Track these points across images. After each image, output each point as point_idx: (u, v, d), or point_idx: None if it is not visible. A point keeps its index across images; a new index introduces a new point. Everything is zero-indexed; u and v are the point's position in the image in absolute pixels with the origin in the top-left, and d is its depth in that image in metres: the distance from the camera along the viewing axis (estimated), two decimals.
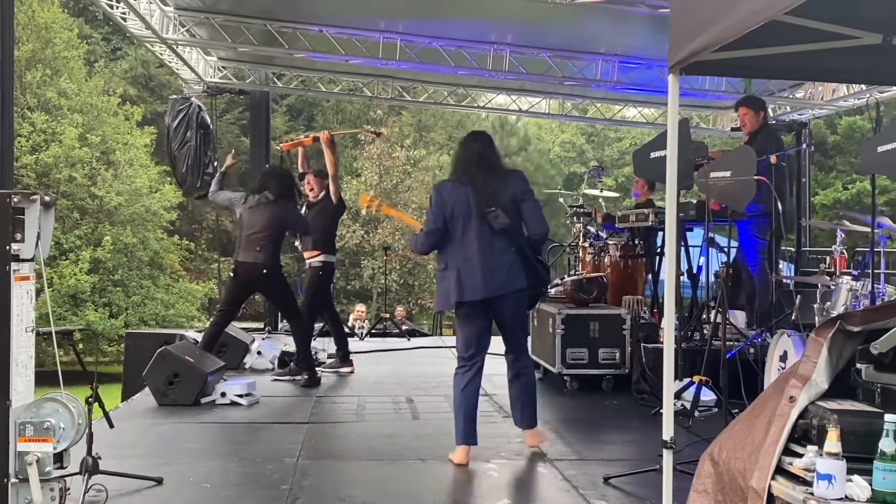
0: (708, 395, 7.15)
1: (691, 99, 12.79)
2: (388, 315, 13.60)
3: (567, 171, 33.96)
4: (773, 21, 3.24)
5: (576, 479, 5.31)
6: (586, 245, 10.34)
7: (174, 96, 13.46)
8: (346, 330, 13.36)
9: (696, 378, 7.00)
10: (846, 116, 27.41)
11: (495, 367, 9.65)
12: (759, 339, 7.36)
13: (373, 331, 13.25)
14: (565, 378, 8.31)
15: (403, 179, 31.40)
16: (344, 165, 34.97)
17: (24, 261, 3.65)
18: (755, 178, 5.31)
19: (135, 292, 24.47)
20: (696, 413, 6.91)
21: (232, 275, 8.54)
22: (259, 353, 9.75)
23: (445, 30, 10.47)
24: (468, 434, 5.68)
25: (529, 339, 9.63)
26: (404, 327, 13.91)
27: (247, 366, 9.61)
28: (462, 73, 11.07)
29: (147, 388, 7.87)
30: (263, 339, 10.56)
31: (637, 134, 36.54)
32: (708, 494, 3.67)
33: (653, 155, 5.02)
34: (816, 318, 6.51)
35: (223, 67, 13.09)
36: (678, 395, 7.23)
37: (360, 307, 15.89)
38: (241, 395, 7.66)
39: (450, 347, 11.64)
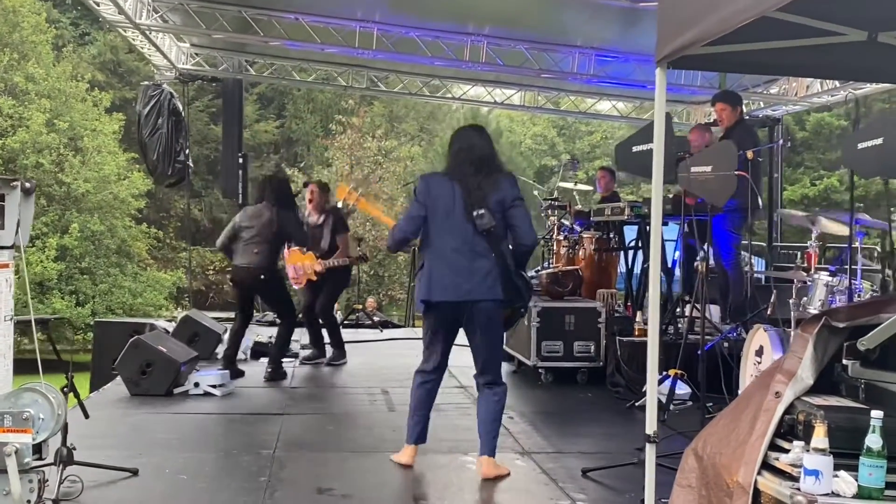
0: (683, 389, 7.19)
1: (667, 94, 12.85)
2: (360, 306, 13.54)
3: (538, 163, 34.02)
4: (763, 17, 3.23)
5: (554, 471, 5.32)
6: (560, 238, 10.35)
7: (145, 83, 13.31)
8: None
9: (671, 372, 7.03)
10: (815, 113, 27.70)
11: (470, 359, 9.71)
12: (734, 334, 7.39)
13: (345, 321, 13.17)
14: (540, 371, 8.31)
15: (374, 170, 31.27)
16: (315, 155, 34.93)
17: (2, 248, 3.58)
18: (736, 173, 5.33)
19: (102, 280, 24.20)
20: (671, 407, 6.94)
21: (231, 280, 8.50)
22: None
23: (422, 20, 10.41)
24: (417, 434, 5.47)
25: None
26: (376, 318, 13.86)
27: (219, 356, 9.49)
28: (438, 63, 11.01)
29: (118, 378, 7.79)
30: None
31: (608, 128, 36.73)
32: (692, 489, 3.68)
33: (635, 149, 5.01)
34: (792, 313, 6.53)
35: (196, 54, 12.96)
36: None
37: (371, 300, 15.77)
38: (214, 386, 7.59)
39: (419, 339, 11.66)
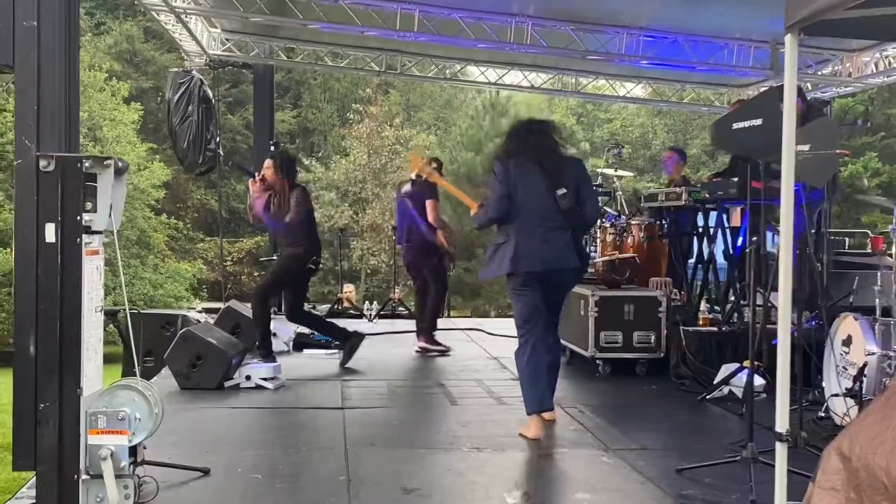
0: (758, 381, 6.88)
1: (707, 75, 12.52)
2: (397, 296, 13.25)
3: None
4: None
5: (646, 470, 5.02)
6: (607, 225, 10.03)
7: (174, 69, 13.03)
8: (354, 311, 13.09)
9: (746, 363, 6.71)
10: (839, 99, 27.23)
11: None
12: (812, 324, 7.06)
13: (381, 312, 12.87)
14: (598, 362, 8.02)
15: (392, 159, 30.99)
16: (332, 144, 34.63)
17: (95, 233, 3.30)
18: (838, 152, 5.02)
19: (123, 272, 23.94)
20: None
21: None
22: (274, 334, 9.35)
23: (465, 0, 10.09)
24: (544, 399, 5.74)
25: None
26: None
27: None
28: (482, 45, 10.68)
29: (163, 371, 7.52)
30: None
31: (627, 115, 36.33)
32: (837, 492, 3.36)
33: (735, 126, 4.69)
34: (877, 300, 6.22)
35: (227, 40, 12.65)
36: (726, 381, 6.98)
37: (349, 287, 15.45)
38: (266, 379, 7.31)
39: (463, 329, 11.37)
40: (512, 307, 6.06)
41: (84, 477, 3.32)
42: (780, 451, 3.70)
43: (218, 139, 12.84)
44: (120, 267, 3.47)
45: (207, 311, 13.81)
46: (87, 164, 3.23)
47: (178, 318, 9.90)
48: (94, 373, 3.36)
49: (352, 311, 12.97)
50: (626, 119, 35.83)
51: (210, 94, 12.64)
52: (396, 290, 16.54)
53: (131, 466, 3.39)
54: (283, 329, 9.51)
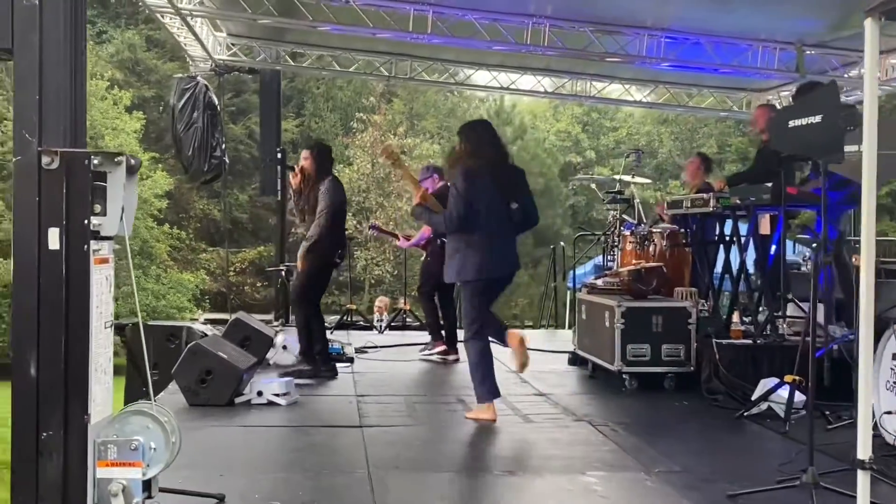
0: (798, 397, 6.52)
1: (724, 79, 12.19)
2: (408, 306, 12.87)
3: (563, 160, 33.36)
4: None
5: (696, 497, 4.64)
6: (627, 234, 9.69)
7: (179, 75, 12.70)
8: (364, 322, 12.72)
9: (788, 378, 6.35)
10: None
11: (547, 365, 9.08)
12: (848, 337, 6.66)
13: (392, 323, 12.51)
14: (624, 376, 7.65)
15: (395, 169, 30.60)
16: (336, 154, 34.13)
17: (104, 239, 2.93)
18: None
19: (124, 283, 23.58)
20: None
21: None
22: (284, 347, 9.00)
23: (480, 1, 9.76)
24: (495, 389, 6.46)
25: (575, 332, 9.09)
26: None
27: (270, 361, 8.86)
28: (497, 48, 10.33)
29: (170, 387, 7.15)
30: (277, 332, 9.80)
31: (633, 123, 36.03)
32: None
33: (792, 123, 4.34)
34: None
35: (232, 44, 12.32)
36: (765, 397, 6.61)
37: (383, 299, 15.09)
38: (278, 395, 6.94)
39: None
40: (464, 304, 6.89)
41: None
42: (863, 479, 3.33)
43: (224, 146, 12.51)
44: (133, 277, 3.11)
45: (212, 322, 13.50)
46: (95, 161, 2.87)
47: (183, 330, 9.55)
48: (103, 397, 2.99)
49: (362, 322, 12.61)
50: (632, 127, 35.53)
51: (215, 100, 12.31)
52: (405, 301, 16.18)
53: (145, 502, 3.03)
54: (293, 342, 9.15)
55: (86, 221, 2.87)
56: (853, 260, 5.66)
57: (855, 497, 4.39)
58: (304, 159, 8.22)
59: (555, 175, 31.28)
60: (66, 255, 2.86)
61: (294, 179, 8.31)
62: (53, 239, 2.85)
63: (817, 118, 4.30)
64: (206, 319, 17.86)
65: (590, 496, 4.66)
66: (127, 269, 3.01)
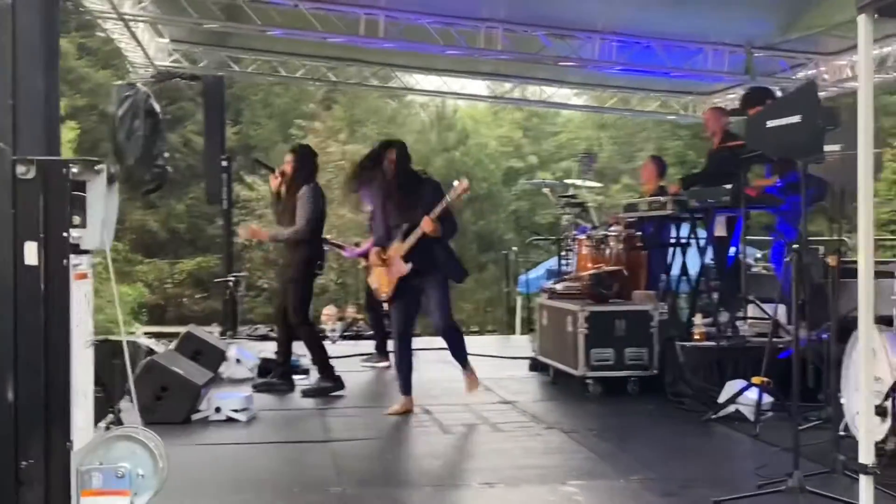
0: (766, 399, 6.50)
1: (673, 83, 12.23)
2: (362, 316, 12.67)
3: (505, 165, 33.39)
4: None
5: (677, 503, 4.57)
6: (582, 238, 9.64)
7: (118, 83, 12.37)
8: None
9: (756, 380, 6.33)
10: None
11: (506, 371, 8.98)
12: (826, 336, 6.64)
13: (344, 334, 12.30)
14: (588, 381, 7.58)
15: (338, 175, 30.34)
16: (275, 161, 33.65)
17: (84, 252, 2.74)
18: (877, 151, 4.65)
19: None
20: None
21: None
22: (238, 360, 8.78)
23: (433, 5, 9.65)
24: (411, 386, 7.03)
25: (535, 338, 9.01)
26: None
27: (223, 375, 8.62)
28: (451, 52, 10.21)
29: (121, 404, 6.89)
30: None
31: (573, 128, 36.16)
32: None
33: (770, 124, 4.30)
34: (894, 310, 5.88)
35: (175, 50, 12.05)
36: (733, 400, 6.58)
37: (331, 308, 14.85)
38: (237, 411, 6.73)
39: (432, 349, 10.83)
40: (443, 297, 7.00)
41: None
42: (866, 484, 3.26)
43: (166, 155, 12.20)
44: (116, 291, 2.92)
45: (153, 335, 13.16)
46: (74, 170, 2.67)
47: (129, 346, 9.26)
48: (85, 421, 2.79)
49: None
50: (573, 132, 35.66)
51: (157, 107, 11.99)
52: (351, 310, 15.98)
53: None
54: (246, 355, 8.93)
55: (65, 234, 2.67)
56: (830, 260, 5.63)
57: (839, 500, 4.40)
58: (287, 163, 7.97)
59: (498, 180, 31.26)
60: (44, 270, 2.66)
61: (274, 182, 8.03)
62: (31, 253, 2.65)
63: (796, 118, 4.27)
64: (144, 333, 17.42)
65: None
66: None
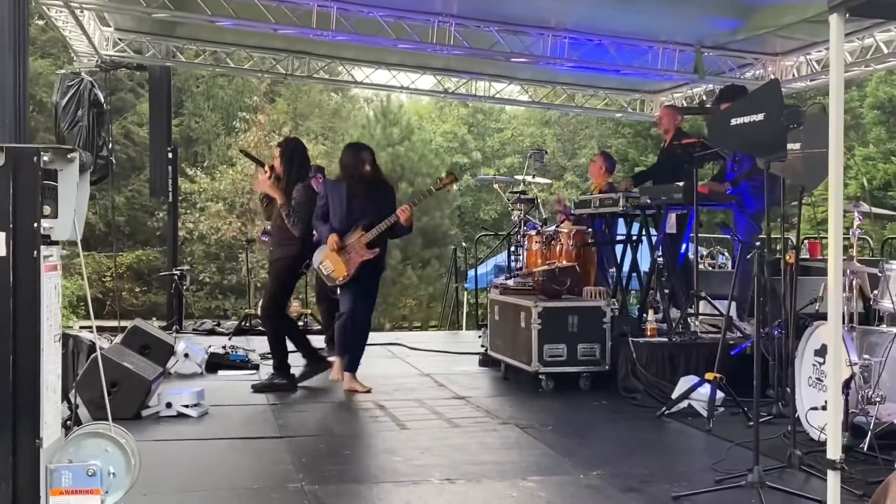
0: (719, 395, 6.56)
1: (621, 80, 12.31)
2: (309, 310, 12.56)
3: (450, 160, 33.37)
4: None
5: (637, 498, 4.60)
6: (532, 233, 9.66)
7: (61, 71, 12.10)
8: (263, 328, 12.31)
9: (709, 376, 6.39)
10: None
11: (457, 366, 8.98)
12: (778, 332, 6.75)
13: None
14: (541, 377, 7.61)
15: None
16: (217, 154, 33.40)
17: (54, 244, 2.65)
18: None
19: None
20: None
21: None
22: (186, 355, 8.63)
23: None
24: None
25: (486, 333, 8.99)
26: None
27: (171, 370, 8.47)
28: (402, 46, 10.17)
29: (71, 403, 6.74)
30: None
31: (517, 125, 36.30)
32: None
33: (734, 122, 4.33)
34: (844, 307, 5.97)
35: (120, 39, 11.82)
36: (686, 395, 6.65)
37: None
38: (189, 406, 6.62)
39: (384, 345, 10.78)
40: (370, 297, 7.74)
41: None
42: (833, 479, 3.30)
43: (111, 145, 11.97)
44: (86, 284, 2.83)
45: (97, 329, 12.88)
46: (45, 158, 2.58)
47: (70, 340, 9.06)
48: (53, 418, 2.70)
49: (261, 328, 12.22)
50: (517, 129, 35.80)
51: (101, 97, 11.75)
52: (295, 304, 15.83)
53: None
54: (195, 349, 8.79)
55: (35, 224, 2.58)
56: (788, 257, 5.70)
57: (800, 495, 4.46)
58: (276, 158, 7.76)
59: (442, 176, 31.16)
60: (13, 261, 2.57)
61: (264, 177, 7.67)
62: (0, 244, 2.56)
63: (759, 116, 4.31)
64: (81, 327, 17.09)
65: (535, 502, 4.56)
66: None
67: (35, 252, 2.61)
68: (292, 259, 7.71)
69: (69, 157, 2.64)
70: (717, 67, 10.72)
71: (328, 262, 7.48)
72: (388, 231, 7.49)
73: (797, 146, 4.78)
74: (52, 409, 2.71)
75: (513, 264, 10.53)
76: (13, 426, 2.62)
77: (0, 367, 2.61)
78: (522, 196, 10.54)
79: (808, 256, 8.74)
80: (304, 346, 8.07)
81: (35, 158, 2.58)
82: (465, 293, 14.75)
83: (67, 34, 10.97)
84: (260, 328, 12.23)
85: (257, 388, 7.61)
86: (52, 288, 2.70)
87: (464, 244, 15.14)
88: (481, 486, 4.80)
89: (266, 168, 7.77)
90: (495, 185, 11.78)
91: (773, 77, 10.69)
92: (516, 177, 11.24)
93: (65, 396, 3.81)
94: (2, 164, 2.55)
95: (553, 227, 9.32)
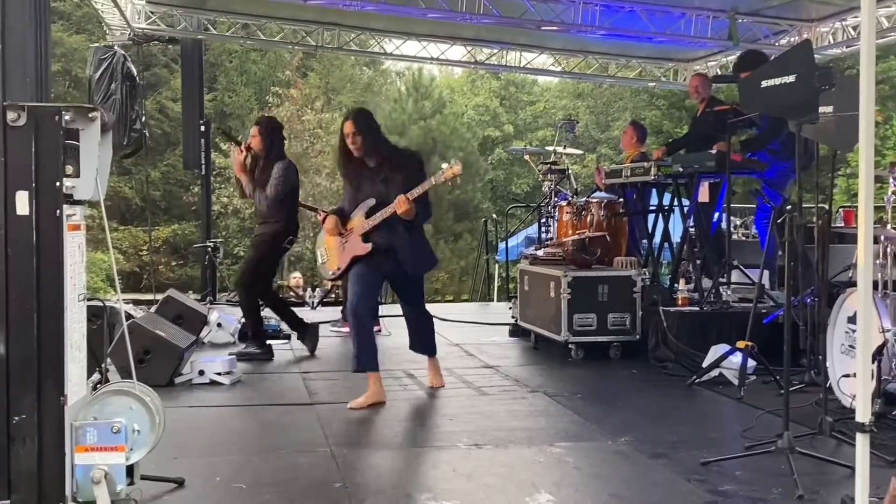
0: (750, 363, 6.52)
1: (653, 48, 12.19)
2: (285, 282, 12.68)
3: (482, 134, 33.29)
4: None
5: (667, 464, 4.58)
6: (563, 204, 9.61)
7: (95, 45, 12.19)
8: (296, 299, 12.46)
9: (740, 344, 6.34)
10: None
11: (487, 336, 8.99)
12: (810, 300, 6.67)
13: (324, 300, 12.25)
14: (570, 346, 7.60)
15: (314, 143, 30.18)
16: (251, 129, 33.33)
17: (77, 203, 2.67)
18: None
19: None
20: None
21: None
22: (219, 325, 8.72)
23: None
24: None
25: (516, 304, 8.98)
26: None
27: (204, 340, 8.57)
28: (432, 15, 10.10)
29: (102, 368, 6.82)
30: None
31: (550, 97, 36.12)
32: None
33: (764, 84, 4.26)
34: (879, 274, 5.89)
35: (152, 13, 11.86)
36: (717, 364, 6.60)
37: (297, 275, 14.86)
38: (221, 374, 6.69)
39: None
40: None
41: None
42: (862, 442, 3.26)
43: (143, 118, 12.05)
44: (111, 246, 2.85)
45: (132, 302, 13.04)
46: (67, 117, 2.59)
47: (106, 310, 9.16)
48: (78, 376, 2.73)
49: (293, 299, 12.34)
50: (549, 101, 35.61)
51: (134, 70, 11.84)
52: (296, 276, 15.92)
53: (129, 490, 2.78)
54: (228, 319, 8.87)
55: (58, 184, 2.60)
56: (819, 224, 5.62)
57: (829, 461, 4.43)
58: (253, 136, 7.72)
59: (474, 149, 31.15)
60: (36, 220, 2.59)
61: (239, 157, 7.72)
62: (22, 203, 2.58)
63: (791, 78, 4.24)
64: (118, 300, 17.24)
65: (563, 467, 4.55)
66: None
67: (58, 211, 2.63)
68: (272, 235, 7.75)
69: (90, 116, 2.65)
70: (751, 34, 10.56)
71: (323, 250, 6.51)
72: (401, 220, 5.95)
73: (829, 109, 4.69)
74: (76, 368, 2.74)
75: (543, 235, 10.50)
76: (38, 384, 2.66)
77: (24, 325, 2.65)
78: (553, 167, 10.49)
79: (842, 225, 8.62)
80: (287, 315, 8.20)
81: (56, 117, 2.60)
82: (496, 266, 14.74)
83: (100, 7, 11.05)
84: (292, 299, 12.40)
85: (238, 356, 7.58)
86: (75, 247, 2.72)
87: (494, 216, 15.07)
88: (508, 452, 4.80)
89: (242, 147, 7.74)
90: (526, 157, 11.70)
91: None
92: (547, 148, 11.17)
93: (98, 364, 3.84)
94: (23, 123, 2.57)
95: (584, 198, 9.27)
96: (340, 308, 9.66)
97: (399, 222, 5.91)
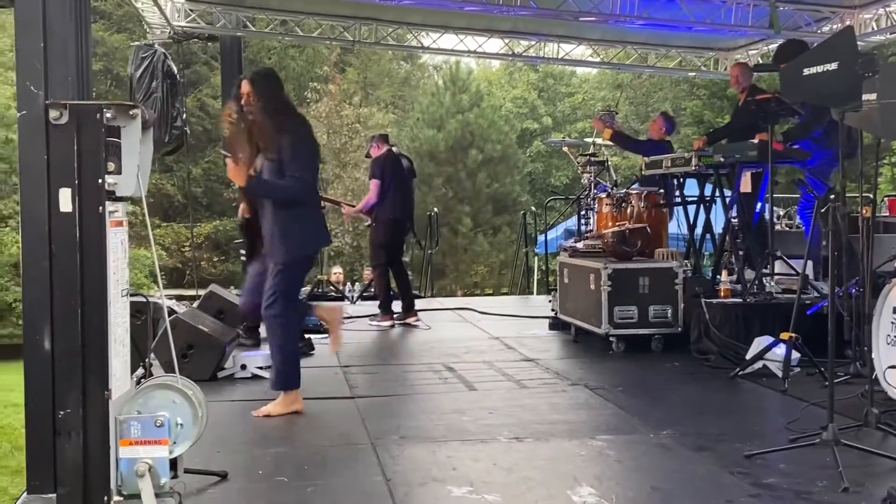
0: (794, 355, 6.44)
1: (694, 38, 12.08)
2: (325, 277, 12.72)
3: (520, 126, 33.20)
4: None
5: (710, 457, 4.55)
6: (602, 196, 9.56)
7: (136, 43, 12.31)
8: (336, 293, 12.53)
9: (784, 336, 6.27)
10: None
11: (527, 330, 8.98)
12: (855, 291, 6.58)
13: (364, 294, 12.30)
14: (611, 339, 7.56)
15: (353, 138, 30.31)
16: None
17: (119, 200, 2.70)
18: None
19: None
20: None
21: None
22: None
23: None
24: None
25: (556, 297, 8.96)
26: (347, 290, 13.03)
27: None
28: (469, 8, 10.08)
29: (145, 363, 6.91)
30: None
31: (588, 89, 35.94)
32: None
33: (806, 72, 4.20)
34: None
35: (191, 10, 11.95)
36: (761, 356, 6.53)
37: (338, 269, 14.94)
38: (263, 368, 6.73)
39: (453, 309, 10.84)
40: (283, 281, 5.43)
41: (116, 499, 2.73)
42: None
43: (184, 116, 12.15)
44: (153, 242, 2.89)
45: (175, 298, 13.17)
46: (108, 115, 2.62)
47: (150, 306, 9.27)
48: (122, 371, 2.77)
49: (333, 294, 12.40)
50: (588, 92, 35.44)
51: (174, 68, 11.92)
52: (367, 272, 16.02)
53: (173, 483, 2.81)
54: None
55: (100, 181, 2.63)
56: (864, 212, 5.55)
57: (875, 453, 4.37)
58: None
59: (512, 142, 31.10)
60: (79, 217, 2.62)
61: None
62: (65, 200, 2.62)
63: (833, 65, 4.18)
64: (161, 295, 17.44)
65: (604, 460, 4.54)
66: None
67: (100, 208, 2.66)
68: None
69: (131, 113, 2.68)
70: (792, 22, 10.42)
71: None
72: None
73: (873, 96, 4.62)
74: (120, 363, 2.77)
75: (583, 228, 10.46)
76: (83, 379, 2.69)
77: (69, 321, 2.68)
78: (592, 159, 10.43)
79: (887, 214, 8.50)
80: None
81: (98, 115, 2.63)
82: (536, 258, 14.70)
83: (140, 6, 11.14)
84: (332, 294, 12.47)
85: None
86: (118, 243, 2.75)
87: (533, 209, 15.03)
88: (549, 445, 4.80)
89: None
90: (565, 149, 11.65)
91: None
92: (586, 139, 11.13)
93: (142, 359, 3.89)
94: (65, 121, 2.60)
95: (623, 190, 9.22)
96: (377, 302, 9.73)
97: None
